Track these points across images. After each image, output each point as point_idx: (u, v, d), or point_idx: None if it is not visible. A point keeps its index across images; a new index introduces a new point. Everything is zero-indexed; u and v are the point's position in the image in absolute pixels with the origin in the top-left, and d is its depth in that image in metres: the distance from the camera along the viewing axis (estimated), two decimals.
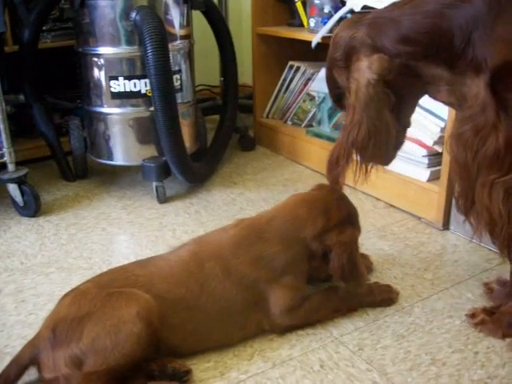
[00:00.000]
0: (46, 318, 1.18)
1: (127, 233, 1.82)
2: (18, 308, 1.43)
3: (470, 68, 1.14)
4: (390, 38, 1.19)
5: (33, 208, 1.89)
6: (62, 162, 2.17)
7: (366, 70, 1.19)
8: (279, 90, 2.50)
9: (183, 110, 2.03)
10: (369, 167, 1.32)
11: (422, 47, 1.16)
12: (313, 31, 2.07)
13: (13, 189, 1.87)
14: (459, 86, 1.18)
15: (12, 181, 1.85)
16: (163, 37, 1.76)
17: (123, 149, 2.02)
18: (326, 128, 2.23)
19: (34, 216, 1.91)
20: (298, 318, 1.32)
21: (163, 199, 1.99)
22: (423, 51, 1.16)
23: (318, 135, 2.23)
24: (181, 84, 1.99)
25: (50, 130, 2.15)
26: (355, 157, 1.29)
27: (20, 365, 1.14)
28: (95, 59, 1.93)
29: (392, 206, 1.94)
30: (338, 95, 1.31)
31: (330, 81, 1.32)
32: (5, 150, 1.82)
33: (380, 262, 1.59)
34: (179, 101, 1.98)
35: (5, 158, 1.83)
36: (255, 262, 1.29)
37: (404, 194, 1.88)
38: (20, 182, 1.86)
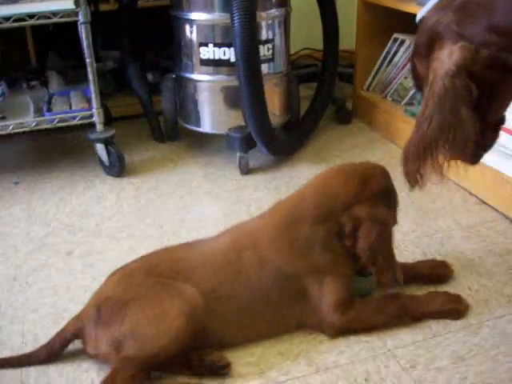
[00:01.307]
0: (93, 294, 1.22)
1: (203, 204, 1.82)
2: (83, 272, 1.50)
3: None
4: (479, 26, 1.04)
5: (117, 169, 1.95)
6: (153, 122, 2.21)
7: (445, 59, 1.05)
8: (382, 63, 2.33)
9: (275, 80, 1.98)
10: (445, 165, 1.19)
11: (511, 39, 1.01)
12: (421, 4, 1.88)
13: (100, 148, 1.93)
14: None
15: (99, 141, 1.91)
16: (252, 4, 1.69)
17: (210, 116, 2.01)
18: None
19: (118, 176, 1.97)
20: (350, 318, 1.25)
21: (245, 171, 1.96)
22: None
23: (415, 115, 2.06)
24: (273, 53, 1.92)
25: (143, 90, 2.18)
26: (427, 153, 1.17)
27: (65, 337, 1.19)
28: (187, 24, 1.90)
29: (484, 202, 1.76)
30: (420, 86, 1.18)
31: (413, 69, 1.19)
32: (94, 110, 1.87)
33: (457, 267, 1.45)
34: (270, 71, 1.94)
35: (94, 118, 1.88)
36: (290, 248, 1.23)
37: (499, 192, 1.69)
38: (107, 142, 1.92)
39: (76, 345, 1.20)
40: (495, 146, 1.27)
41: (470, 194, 1.82)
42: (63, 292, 1.42)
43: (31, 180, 2.00)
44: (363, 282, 1.34)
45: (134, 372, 1.09)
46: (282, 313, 1.26)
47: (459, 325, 1.28)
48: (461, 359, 1.19)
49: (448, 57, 1.07)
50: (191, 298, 1.17)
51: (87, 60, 1.80)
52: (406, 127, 2.09)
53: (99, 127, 1.90)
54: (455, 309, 1.30)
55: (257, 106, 1.78)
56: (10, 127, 1.82)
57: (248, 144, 1.93)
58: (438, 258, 1.49)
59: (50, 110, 1.89)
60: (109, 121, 2.32)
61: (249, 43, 1.68)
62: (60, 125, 1.86)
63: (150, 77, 2.31)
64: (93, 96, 1.85)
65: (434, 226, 1.66)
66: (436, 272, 1.42)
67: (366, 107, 2.39)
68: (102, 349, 1.15)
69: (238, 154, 1.95)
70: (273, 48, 1.91)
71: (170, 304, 1.15)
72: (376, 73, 2.38)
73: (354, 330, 1.27)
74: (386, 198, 1.25)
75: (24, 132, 1.90)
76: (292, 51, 2.29)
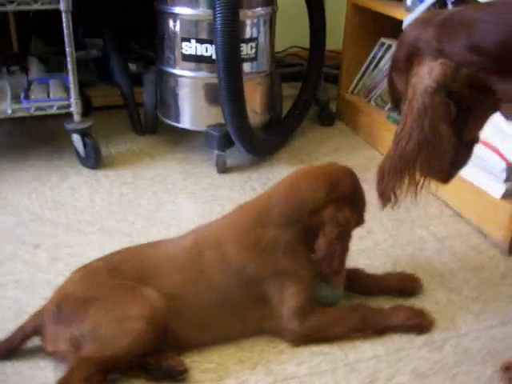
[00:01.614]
0: (55, 291, 1.20)
1: (177, 201, 1.80)
2: (49, 266, 1.47)
3: None
4: (460, 45, 1.02)
5: (92, 161, 1.92)
6: (134, 114, 2.18)
7: (425, 75, 1.03)
8: (367, 67, 2.32)
9: (258, 79, 1.96)
10: (420, 184, 1.18)
11: (491, 59, 0.99)
12: (409, 10, 1.86)
13: (76, 139, 1.90)
14: None
15: (76, 131, 1.88)
16: (235, 2, 1.65)
17: (190, 112, 1.99)
18: None
19: (94, 168, 1.94)
20: (310, 326, 1.23)
21: (222, 169, 1.94)
22: (494, 64, 0.99)
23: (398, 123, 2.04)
24: (256, 52, 1.90)
25: (125, 80, 2.15)
26: (404, 171, 1.16)
27: (24, 333, 1.17)
28: (170, 18, 1.87)
29: (460, 215, 1.75)
30: (397, 100, 1.17)
31: (390, 83, 1.17)
32: (72, 100, 1.83)
33: (427, 280, 1.44)
34: (253, 70, 1.92)
35: (71, 108, 1.85)
36: (253, 250, 1.21)
37: (475, 206, 1.68)
38: (83, 133, 1.88)
39: (34, 342, 1.18)
40: (473, 159, 1.26)
41: (447, 205, 1.81)
42: (27, 286, 1.39)
43: (6, 167, 1.96)
44: (330, 291, 1.33)
45: (89, 373, 1.07)
46: (242, 316, 1.24)
47: (423, 340, 1.27)
48: (421, 376, 1.18)
49: (428, 73, 1.05)
50: (153, 302, 1.15)
51: (67, 49, 1.76)
52: (387, 134, 2.07)
53: (76, 118, 1.86)
54: (419, 324, 1.29)
55: (236, 106, 1.75)
56: None
57: (226, 142, 1.90)
58: (409, 269, 1.48)
59: (27, 97, 1.84)
60: (89, 110, 2.30)
61: (230, 42, 1.65)
62: (37, 113, 1.83)
63: (133, 67, 2.28)
64: (71, 86, 1.81)
65: (407, 236, 1.65)
66: (404, 285, 1.41)
67: (349, 110, 2.37)
68: (60, 347, 1.13)
69: (215, 152, 1.93)
70: (256, 47, 1.89)
71: (131, 307, 1.13)
72: (361, 76, 2.36)
73: (314, 339, 1.25)
74: (353, 200, 1.24)
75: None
76: (279, 49, 2.26)
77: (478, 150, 1.21)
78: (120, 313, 1.12)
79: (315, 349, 1.24)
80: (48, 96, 1.86)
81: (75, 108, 1.84)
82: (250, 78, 1.91)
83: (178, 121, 2.00)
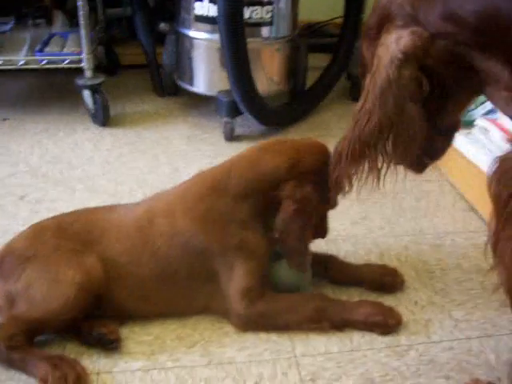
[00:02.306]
0: (4, 244, 1.18)
1: (173, 165, 1.74)
2: (27, 218, 1.45)
3: None
4: (435, 12, 0.87)
5: (101, 118, 1.90)
6: (155, 74, 2.13)
7: (391, 45, 0.89)
8: None
9: (276, 45, 1.86)
10: (383, 170, 1.02)
11: (470, 31, 0.84)
12: None
13: (86, 95, 1.88)
14: None
15: (86, 87, 1.86)
16: None
17: (202, 76, 1.93)
18: None
19: (102, 125, 1.93)
20: (257, 310, 1.14)
21: (229, 137, 1.86)
22: (473, 36, 0.84)
23: None
24: (272, 17, 1.79)
25: (148, 40, 2.10)
26: (363, 156, 1.02)
27: None
28: None
29: (474, 210, 1.57)
30: (364, 74, 1.03)
31: (360, 53, 1.04)
32: (84, 55, 1.81)
33: (411, 277, 1.30)
34: (271, 35, 1.81)
35: (83, 64, 1.83)
36: (205, 221, 1.14)
37: (486, 199, 1.49)
38: (93, 89, 1.86)
39: None
40: (494, 147, 1.10)
41: (462, 197, 1.62)
42: None
43: (19, 118, 1.99)
44: (293, 276, 1.23)
45: (15, 332, 1.04)
46: (188, 292, 1.18)
47: (386, 343, 1.14)
48: (370, 382, 1.05)
49: (395, 42, 0.90)
50: (88, 269, 1.12)
51: (78, 3, 1.74)
52: None
53: (88, 73, 1.84)
54: (382, 323, 1.15)
55: (238, 70, 1.66)
56: None
57: (235, 110, 1.81)
58: (395, 263, 1.35)
59: (41, 50, 1.85)
60: (116, 68, 2.29)
61: (231, 3, 1.54)
62: (48, 66, 1.83)
63: (163, 27, 2.21)
64: (83, 41, 1.79)
65: (406, 226, 1.50)
66: (381, 279, 1.27)
67: None
68: None
69: (224, 119, 1.85)
70: (273, 11, 1.77)
71: (66, 271, 1.10)
72: None
73: (262, 326, 1.16)
74: (319, 178, 1.13)
75: (23, 70, 1.89)
76: (324, 18, 2.13)
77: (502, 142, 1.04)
78: (53, 275, 1.10)
79: (263, 336, 1.15)
80: (62, 50, 1.86)
81: (86, 63, 1.82)
82: (267, 44, 1.82)
83: (191, 84, 1.94)
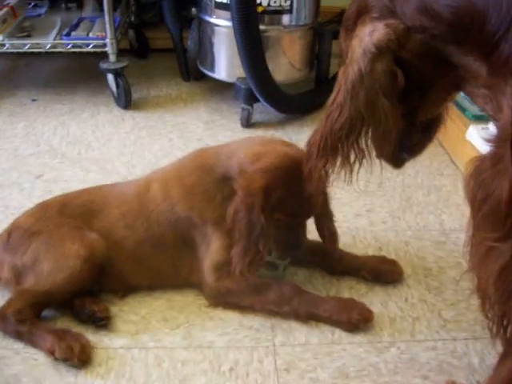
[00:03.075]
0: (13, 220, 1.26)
1: (187, 150, 1.71)
2: (41, 197, 1.47)
3: (507, 70, 0.78)
4: (411, 5, 0.85)
5: (123, 101, 1.94)
6: (181, 59, 2.15)
7: (365, 37, 0.87)
8: None
9: (297, 33, 1.85)
10: (355, 167, 0.99)
11: (446, 26, 0.81)
12: None
13: (110, 79, 1.93)
14: (498, 93, 0.82)
15: (109, 71, 1.91)
16: None
17: (222, 63, 1.94)
18: None
19: (125, 108, 1.97)
20: (224, 286, 1.17)
21: (246, 123, 1.87)
22: (449, 31, 0.82)
23: None
24: (291, 5, 1.77)
25: (175, 24, 2.12)
26: (336, 149, 0.97)
27: None
28: None
29: None
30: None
31: (340, 46, 1.02)
32: (107, 40, 1.86)
33: (407, 274, 1.28)
34: (291, 23, 1.80)
35: (107, 48, 1.87)
36: (191, 191, 1.19)
37: None
38: (117, 73, 1.90)
39: None
40: None
41: None
42: (11, 213, 1.44)
43: (48, 100, 2.06)
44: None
45: (23, 306, 1.11)
46: (174, 260, 1.23)
47: (367, 338, 1.13)
48: (344, 376, 1.06)
49: (369, 35, 0.88)
50: (91, 243, 1.19)
51: None
52: None
53: (112, 57, 1.89)
54: (345, 321, 1.15)
55: (251, 57, 1.66)
56: (27, 46, 1.87)
57: (253, 96, 1.81)
58: (393, 257, 1.32)
59: (69, 34, 1.90)
60: (146, 51, 2.33)
61: None
62: (73, 50, 1.88)
63: (194, 12, 2.23)
64: (107, 26, 1.83)
65: (411, 221, 1.47)
66: (379, 268, 1.27)
67: None
68: (4, 274, 1.19)
69: (241, 106, 1.85)
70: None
71: (70, 245, 1.17)
72: None
73: (229, 302, 1.19)
74: (291, 186, 1.13)
75: (53, 53, 1.96)
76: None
77: None
78: (59, 250, 1.16)
79: (246, 323, 1.17)
80: (88, 34, 1.91)
81: (110, 48, 1.87)
82: (287, 32, 1.81)
83: (212, 70, 1.96)
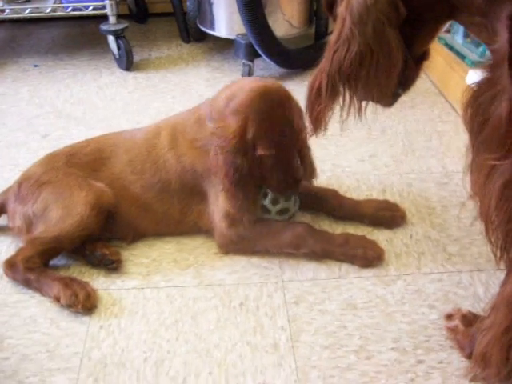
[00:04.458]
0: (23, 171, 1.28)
1: (189, 107, 1.76)
2: (42, 150, 1.48)
3: None
4: None
5: (125, 63, 1.95)
6: (180, 21, 2.15)
7: None
8: None
9: None
10: (362, 104, 0.97)
11: None
12: None
13: (111, 40, 1.94)
14: (493, 20, 0.82)
15: (110, 32, 1.91)
16: None
17: (222, 20, 1.93)
18: (458, 39, 1.78)
19: (127, 70, 1.98)
20: (237, 232, 1.19)
21: None
22: None
23: (449, 46, 1.80)
24: None
25: None
26: (342, 88, 0.95)
27: None
28: None
29: None
30: (331, 3, 0.97)
31: None
32: (107, 1, 1.86)
33: (411, 212, 1.31)
34: None
35: (106, 10, 1.88)
36: (192, 146, 1.21)
37: None
38: (117, 35, 1.91)
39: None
40: None
41: None
42: (20, 170, 1.42)
43: (50, 65, 2.07)
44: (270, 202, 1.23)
45: (32, 254, 1.14)
46: (182, 206, 1.25)
47: (374, 272, 1.16)
48: (352, 307, 1.09)
49: None
50: (98, 191, 1.21)
51: None
52: (435, 55, 1.83)
53: (111, 19, 1.89)
54: (361, 256, 1.17)
55: (250, 12, 1.66)
56: (27, 11, 1.88)
57: (253, 52, 1.82)
58: (396, 199, 1.35)
59: None
60: (145, 16, 2.33)
61: None
62: (73, 13, 1.89)
63: None
64: None
65: (413, 165, 1.48)
66: (381, 214, 1.28)
67: None
68: (16, 222, 1.22)
69: (242, 61, 1.86)
70: None
71: (78, 193, 1.20)
72: None
73: (242, 248, 1.21)
74: (256, 118, 1.12)
75: (54, 19, 1.97)
76: None
77: None
78: (67, 198, 1.19)
79: (254, 261, 1.20)
80: None
81: (110, 10, 1.88)
82: None
83: (212, 28, 1.96)
